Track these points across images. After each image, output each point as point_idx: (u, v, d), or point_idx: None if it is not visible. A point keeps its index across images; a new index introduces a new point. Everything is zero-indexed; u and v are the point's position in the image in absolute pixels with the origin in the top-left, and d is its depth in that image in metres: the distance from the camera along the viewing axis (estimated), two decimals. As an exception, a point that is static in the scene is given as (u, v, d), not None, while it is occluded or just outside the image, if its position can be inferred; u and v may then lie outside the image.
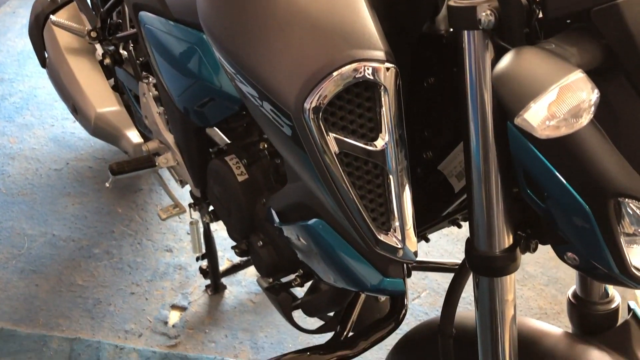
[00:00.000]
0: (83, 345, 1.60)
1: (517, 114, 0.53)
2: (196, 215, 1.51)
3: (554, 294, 1.76)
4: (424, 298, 1.75)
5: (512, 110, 0.54)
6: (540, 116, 0.52)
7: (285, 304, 1.17)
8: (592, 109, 0.53)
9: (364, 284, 0.82)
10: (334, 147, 0.67)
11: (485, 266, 0.72)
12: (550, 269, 1.83)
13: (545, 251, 2.13)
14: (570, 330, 0.93)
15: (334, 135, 0.67)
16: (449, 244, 1.91)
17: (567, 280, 1.80)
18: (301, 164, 0.74)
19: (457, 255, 1.86)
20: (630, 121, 0.59)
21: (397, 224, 0.72)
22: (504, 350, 0.79)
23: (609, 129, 0.59)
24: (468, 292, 1.70)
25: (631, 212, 0.60)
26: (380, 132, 0.67)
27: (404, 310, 0.95)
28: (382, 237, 0.73)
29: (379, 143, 0.68)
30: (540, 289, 1.78)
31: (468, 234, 0.76)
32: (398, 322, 0.94)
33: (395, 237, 0.73)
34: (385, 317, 0.96)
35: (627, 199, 0.59)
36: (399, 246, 0.73)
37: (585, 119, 0.53)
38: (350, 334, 1.03)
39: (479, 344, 0.81)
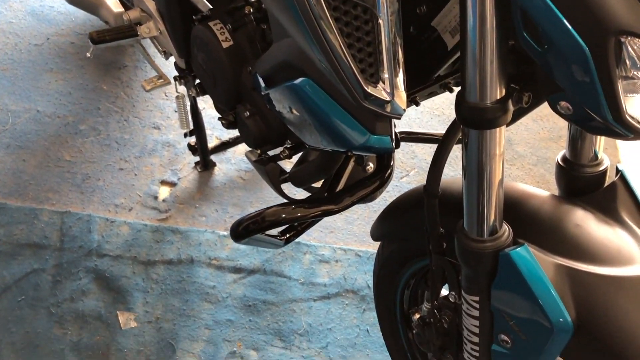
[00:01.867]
0: (74, 218, 1.62)
1: None
2: (182, 89, 1.47)
3: (542, 173, 1.77)
4: (412, 176, 1.76)
5: None
6: None
7: (274, 174, 1.16)
8: None
9: (352, 142, 0.81)
10: (320, -12, 0.63)
11: (475, 118, 0.69)
12: (539, 149, 1.83)
13: (535, 132, 2.11)
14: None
15: (321, -27, 0.62)
16: (440, 124, 1.89)
17: (556, 160, 1.81)
18: (286, 12, 0.70)
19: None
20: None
21: (386, 75, 0.70)
22: (489, 209, 0.79)
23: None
24: (457, 172, 1.71)
25: (632, 54, 0.57)
26: (371, -30, 0.63)
27: (389, 170, 0.94)
28: (370, 90, 0.70)
29: (369, -17, 0.63)
30: (529, 169, 1.79)
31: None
32: (383, 181, 0.94)
33: (384, 89, 0.70)
34: (371, 175, 0.95)
35: (629, 38, 0.56)
36: (387, 99, 0.71)
37: None
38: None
39: (464, 204, 0.81)
